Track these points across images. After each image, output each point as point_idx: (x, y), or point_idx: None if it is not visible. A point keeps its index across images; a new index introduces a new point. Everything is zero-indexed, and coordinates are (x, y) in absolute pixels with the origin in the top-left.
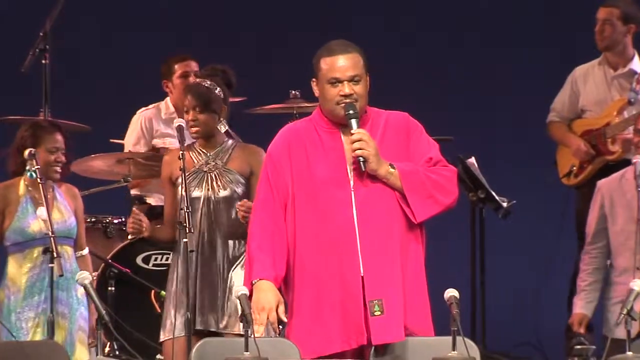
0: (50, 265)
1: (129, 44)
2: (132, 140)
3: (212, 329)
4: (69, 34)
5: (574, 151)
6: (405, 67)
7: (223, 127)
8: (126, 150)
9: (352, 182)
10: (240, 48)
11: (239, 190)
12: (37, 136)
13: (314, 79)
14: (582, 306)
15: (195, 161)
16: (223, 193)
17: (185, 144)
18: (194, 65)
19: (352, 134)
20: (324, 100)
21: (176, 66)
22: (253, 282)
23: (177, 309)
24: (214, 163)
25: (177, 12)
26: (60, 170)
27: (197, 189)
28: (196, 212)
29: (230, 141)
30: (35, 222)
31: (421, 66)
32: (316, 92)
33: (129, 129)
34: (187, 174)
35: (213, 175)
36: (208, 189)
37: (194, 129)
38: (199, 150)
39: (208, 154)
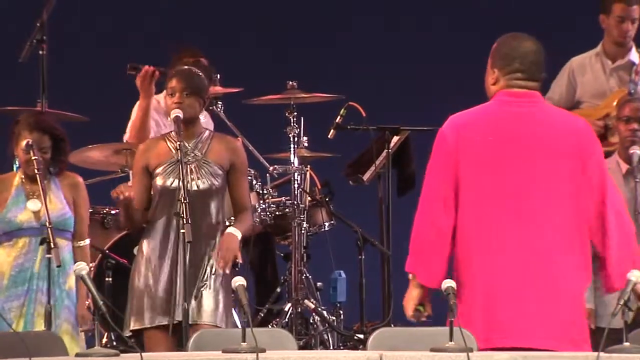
0: (48, 255)
1: (126, 34)
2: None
3: (192, 321)
4: (65, 25)
5: None
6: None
7: (202, 118)
8: (126, 138)
9: None
10: (238, 39)
11: (217, 182)
12: (15, 133)
13: None
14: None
15: (173, 151)
16: (201, 185)
17: (163, 133)
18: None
19: None
20: None
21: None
22: None
23: (148, 297)
24: (192, 154)
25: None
26: (37, 167)
27: (175, 179)
28: (176, 204)
29: (207, 132)
30: (23, 212)
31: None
32: None
33: (131, 118)
34: (165, 165)
35: (192, 167)
36: (187, 181)
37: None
38: (176, 140)
39: (187, 145)
